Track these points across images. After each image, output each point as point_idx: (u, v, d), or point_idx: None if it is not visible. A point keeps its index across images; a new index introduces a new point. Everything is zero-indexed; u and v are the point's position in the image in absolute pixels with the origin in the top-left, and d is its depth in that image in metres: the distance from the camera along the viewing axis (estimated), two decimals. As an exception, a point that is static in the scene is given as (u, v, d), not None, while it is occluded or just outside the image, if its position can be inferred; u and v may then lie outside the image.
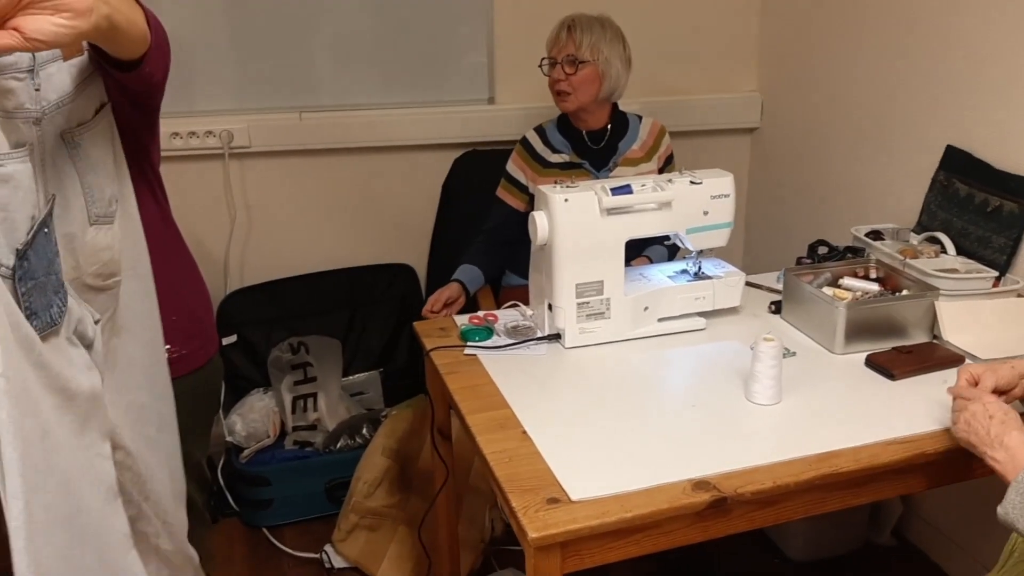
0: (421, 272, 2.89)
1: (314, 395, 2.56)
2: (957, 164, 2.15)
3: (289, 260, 2.76)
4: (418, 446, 2.41)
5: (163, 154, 2.56)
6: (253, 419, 2.50)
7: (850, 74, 2.55)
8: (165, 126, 2.51)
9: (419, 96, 2.75)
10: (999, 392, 1.31)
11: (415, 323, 1.91)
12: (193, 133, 2.56)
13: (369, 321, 2.79)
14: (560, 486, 1.29)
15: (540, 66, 2.23)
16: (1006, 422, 1.20)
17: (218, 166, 2.62)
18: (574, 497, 1.26)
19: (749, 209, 3.12)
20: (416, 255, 2.88)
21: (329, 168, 2.73)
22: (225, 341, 2.64)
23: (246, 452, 2.48)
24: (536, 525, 1.21)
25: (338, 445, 2.48)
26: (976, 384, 1.32)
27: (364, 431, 2.49)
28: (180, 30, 2.53)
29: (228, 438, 2.52)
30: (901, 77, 2.35)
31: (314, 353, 2.59)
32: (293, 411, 2.54)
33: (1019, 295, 1.88)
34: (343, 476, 2.41)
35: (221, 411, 2.66)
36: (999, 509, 1.15)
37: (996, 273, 1.92)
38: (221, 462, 2.59)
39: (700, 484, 1.29)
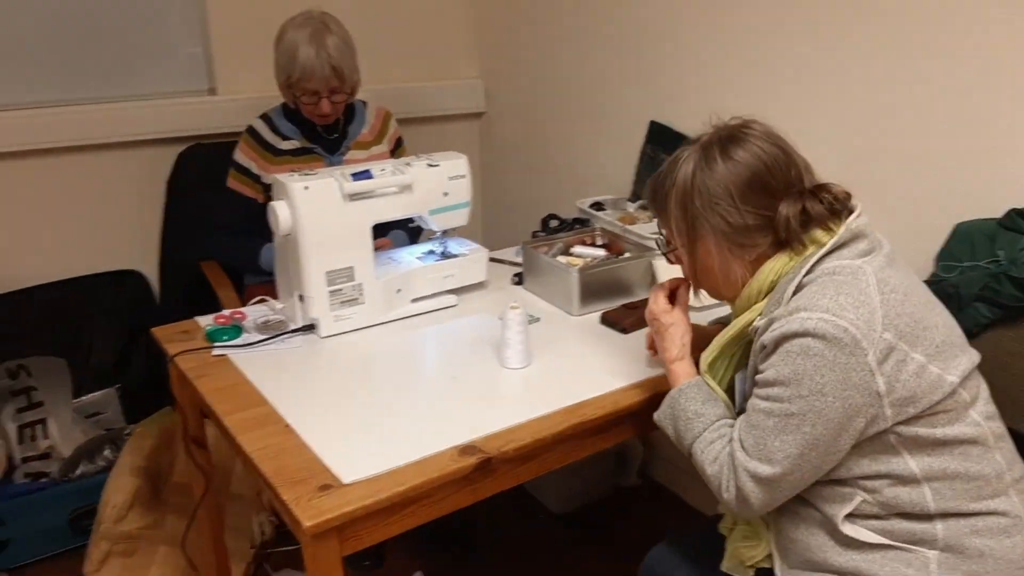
0: (152, 276, 2.71)
1: (43, 421, 2.32)
2: (660, 137, 2.40)
3: (-6, 277, 2.47)
4: (169, 461, 2.28)
5: None
6: (-30, 457, 2.22)
7: (562, 60, 2.74)
8: None
9: (130, 89, 2.57)
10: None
11: (153, 329, 1.80)
12: None
13: (97, 334, 2.57)
14: (330, 472, 1.29)
15: (290, 89, 2.16)
16: (685, 346, 1.41)
17: None
18: (346, 480, 1.27)
19: (484, 189, 3.25)
20: (143, 258, 2.69)
21: (30, 172, 2.47)
22: (-77, 375, 2.32)
23: (-34, 495, 2.20)
24: (310, 513, 1.20)
25: (77, 472, 2.28)
26: (672, 294, 1.48)
27: (106, 452, 2.31)
28: None
29: (-59, 482, 2.22)
30: (607, 61, 2.57)
31: (37, 376, 2.35)
32: (20, 441, 2.29)
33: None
34: (88, 503, 2.23)
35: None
36: (655, 415, 1.40)
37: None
38: (-65, 510, 2.28)
39: (466, 449, 1.35)
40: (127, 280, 2.65)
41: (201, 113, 2.63)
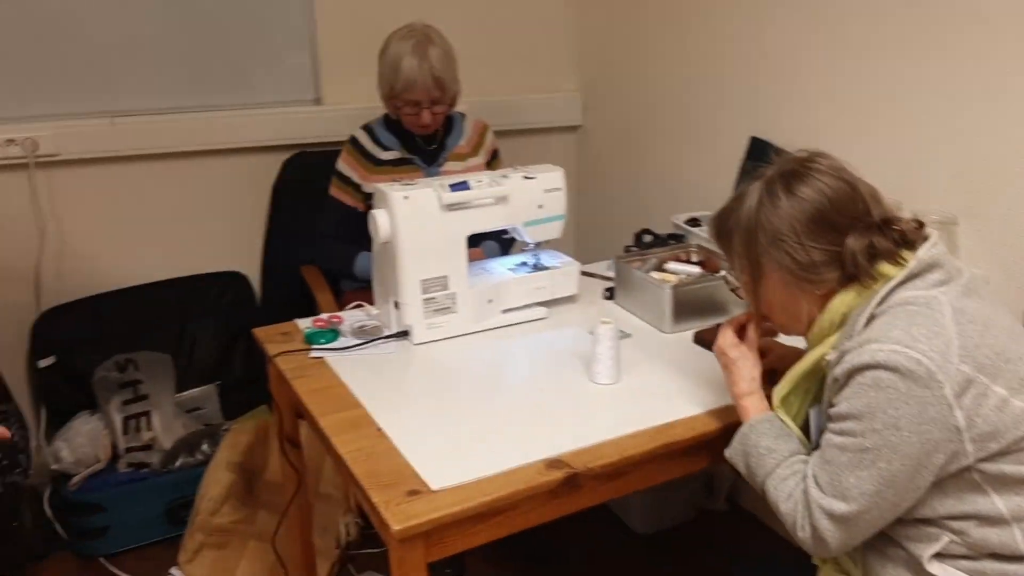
0: (254, 279, 2.80)
1: (147, 413, 2.43)
2: (761, 153, 2.35)
3: (109, 273, 2.60)
4: (263, 458, 2.35)
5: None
6: (80, 443, 2.34)
7: (662, 73, 2.72)
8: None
9: (242, 98, 2.67)
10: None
11: (254, 330, 1.86)
12: (-9, 142, 2.37)
13: (201, 333, 2.68)
14: (419, 478, 1.31)
15: (393, 100, 2.22)
16: (754, 380, 1.39)
17: (23, 177, 2.43)
18: (434, 487, 1.28)
19: (578, 203, 3.24)
20: (247, 261, 2.79)
21: (148, 175, 2.59)
22: (42, 363, 2.45)
23: (75, 479, 2.32)
24: (398, 517, 1.22)
25: (177, 463, 2.37)
26: (743, 328, 1.45)
27: (204, 447, 2.39)
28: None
29: (54, 466, 2.35)
30: (708, 76, 2.54)
31: (144, 370, 2.46)
32: (125, 432, 2.40)
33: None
34: (184, 495, 2.32)
35: (43, 438, 2.48)
36: (726, 452, 1.38)
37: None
38: (47, 492, 2.41)
39: (553, 463, 1.35)
40: (231, 281, 2.75)
41: (306, 122, 2.72)
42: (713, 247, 2.06)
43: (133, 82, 2.54)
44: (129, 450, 2.40)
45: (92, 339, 2.51)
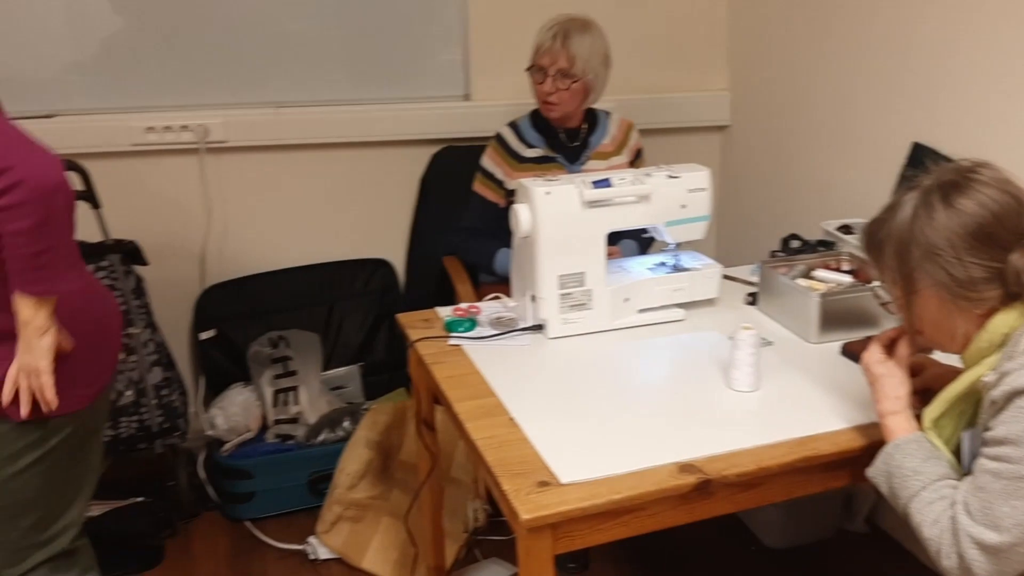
0: (399, 266, 2.90)
1: (295, 389, 2.56)
2: (924, 161, 2.22)
3: (267, 255, 2.76)
4: (399, 439, 2.43)
5: (137, 148, 2.57)
6: (234, 413, 2.50)
7: (817, 73, 2.61)
8: (140, 120, 2.53)
9: (395, 92, 2.77)
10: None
11: (398, 315, 1.93)
12: (168, 128, 2.56)
13: (347, 316, 2.80)
14: (549, 470, 1.32)
15: (529, 70, 2.25)
16: (900, 399, 1.32)
17: (194, 161, 2.62)
18: (563, 480, 1.29)
19: (721, 204, 3.18)
20: (393, 250, 2.89)
21: (306, 163, 2.74)
22: (203, 336, 2.64)
23: (227, 445, 2.48)
24: (527, 507, 1.24)
25: (320, 438, 2.49)
26: (893, 343, 1.38)
27: (345, 424, 2.50)
28: (155, 21, 2.53)
29: (209, 432, 2.52)
30: (867, 76, 2.42)
31: (294, 347, 2.60)
32: (274, 404, 2.55)
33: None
34: (324, 469, 2.43)
35: (201, 405, 2.66)
36: (867, 471, 1.32)
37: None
38: (202, 456, 2.59)
39: (686, 467, 1.33)
40: (377, 268, 2.86)
41: (455, 117, 2.79)
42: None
43: (296, 75, 2.68)
44: (277, 422, 2.54)
45: (248, 315, 2.68)
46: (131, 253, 2.36)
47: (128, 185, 2.56)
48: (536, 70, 2.23)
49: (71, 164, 2.26)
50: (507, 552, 2.33)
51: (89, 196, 2.27)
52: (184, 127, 2.56)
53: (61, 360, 1.38)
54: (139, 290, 2.39)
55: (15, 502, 1.46)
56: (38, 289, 1.23)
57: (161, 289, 2.57)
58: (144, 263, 2.40)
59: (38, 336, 1.32)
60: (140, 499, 2.45)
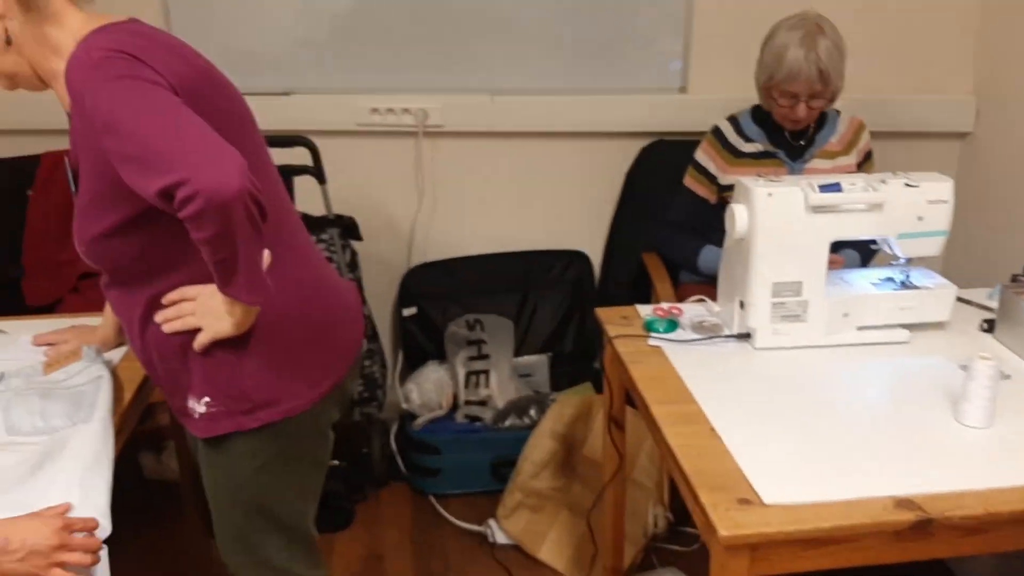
0: (595, 260, 2.88)
1: (486, 372, 2.61)
2: None
3: (469, 239, 2.83)
4: (583, 433, 2.41)
5: (361, 128, 2.70)
6: (428, 389, 2.58)
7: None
8: (366, 101, 2.66)
9: (609, 83, 2.74)
10: None
11: (597, 309, 1.90)
12: (391, 110, 2.67)
13: (541, 305, 2.81)
14: (751, 487, 1.25)
15: (768, 88, 2.13)
16: None
17: (411, 143, 2.72)
18: (767, 500, 1.22)
19: (957, 218, 2.90)
20: (591, 243, 2.87)
21: (515, 151, 2.77)
22: (406, 312, 2.74)
23: (419, 420, 2.56)
24: (726, 524, 1.18)
25: (506, 423, 2.53)
26: None
27: (531, 412, 2.52)
28: (382, 11, 2.64)
29: (404, 405, 2.62)
30: None
31: (489, 331, 2.64)
32: (466, 385, 2.61)
33: None
34: (508, 454, 2.46)
35: (398, 378, 2.77)
36: None
37: None
38: (395, 427, 2.70)
39: (903, 502, 1.22)
40: (574, 260, 2.85)
41: (669, 110, 2.71)
42: None
43: (512, 62, 2.71)
44: (467, 403, 2.60)
45: (448, 296, 2.75)
46: (349, 228, 2.49)
47: (349, 162, 2.69)
48: (786, 96, 2.09)
49: (303, 140, 2.41)
50: (686, 564, 2.26)
51: (316, 172, 2.41)
52: (405, 110, 2.66)
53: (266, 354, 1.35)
54: (353, 264, 2.52)
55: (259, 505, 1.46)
56: (227, 291, 1.23)
57: (371, 265, 2.70)
58: (359, 239, 2.53)
59: (227, 318, 1.27)
60: (336, 462, 2.59)
